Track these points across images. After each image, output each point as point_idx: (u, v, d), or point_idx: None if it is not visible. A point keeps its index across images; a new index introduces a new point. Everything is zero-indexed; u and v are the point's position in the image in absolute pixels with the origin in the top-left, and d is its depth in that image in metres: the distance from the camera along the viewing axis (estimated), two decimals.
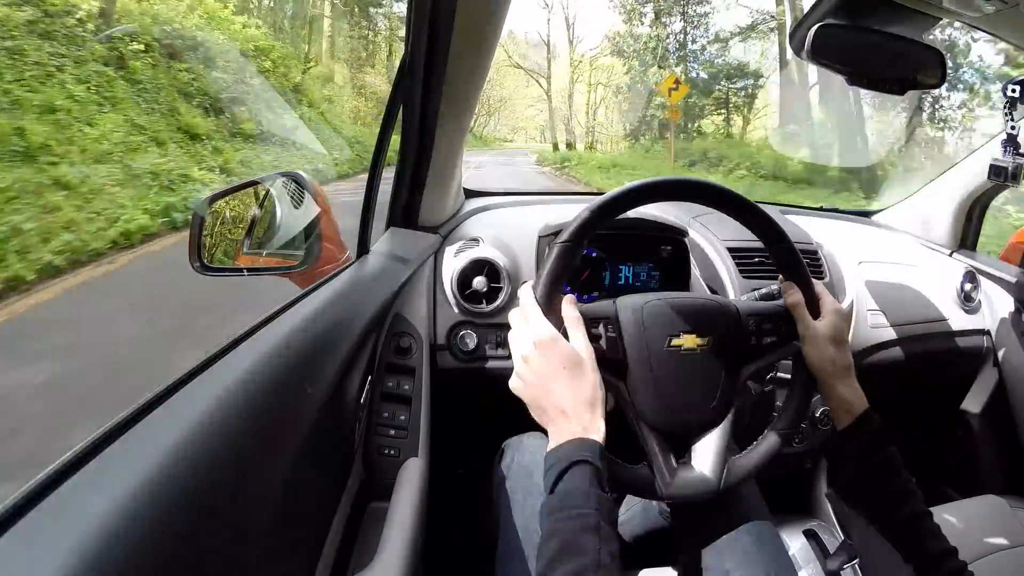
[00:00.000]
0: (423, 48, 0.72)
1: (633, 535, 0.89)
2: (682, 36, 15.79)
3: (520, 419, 0.59)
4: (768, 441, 0.65)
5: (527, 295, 0.59)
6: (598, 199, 0.60)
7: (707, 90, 15.31)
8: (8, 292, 3.46)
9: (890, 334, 1.14)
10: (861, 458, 0.60)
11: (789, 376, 0.69)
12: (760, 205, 0.64)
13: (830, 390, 0.63)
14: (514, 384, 0.58)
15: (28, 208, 4.04)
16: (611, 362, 0.61)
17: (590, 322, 0.60)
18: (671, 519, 0.75)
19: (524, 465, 0.75)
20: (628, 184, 0.61)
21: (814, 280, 0.66)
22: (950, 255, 1.37)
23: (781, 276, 0.67)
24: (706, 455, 0.62)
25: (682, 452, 0.63)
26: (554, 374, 0.54)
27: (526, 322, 0.57)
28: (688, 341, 0.61)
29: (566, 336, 0.57)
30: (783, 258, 0.65)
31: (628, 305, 0.63)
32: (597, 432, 0.53)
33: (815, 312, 0.64)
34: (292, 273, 0.87)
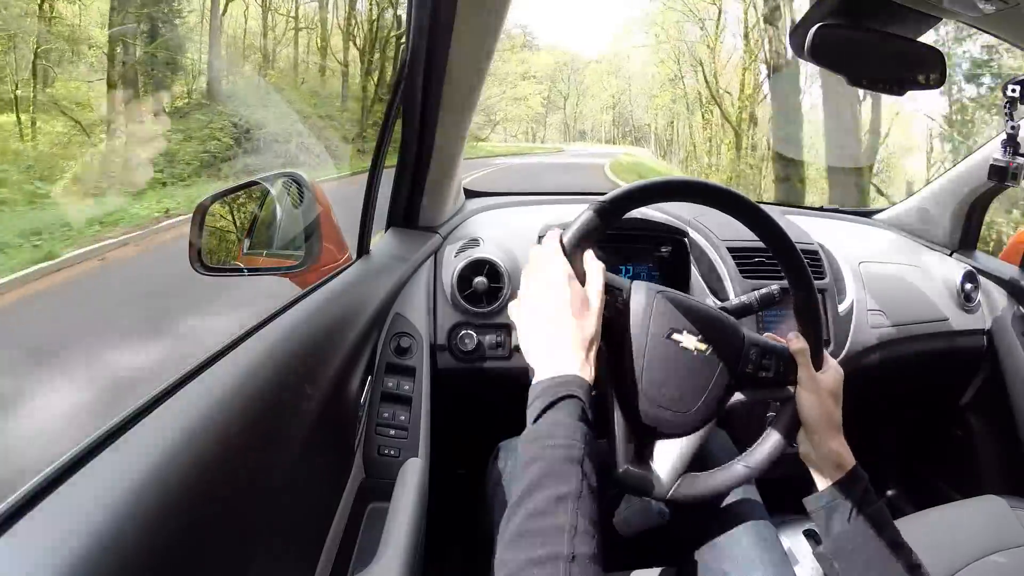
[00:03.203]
0: (423, 48, 0.72)
1: (631, 535, 0.89)
2: None
3: (518, 420, 0.59)
4: (731, 472, 0.64)
5: (553, 237, 0.58)
6: (637, 182, 0.60)
7: None
8: None
9: (890, 334, 1.14)
10: (854, 512, 0.60)
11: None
12: (761, 206, 0.64)
13: (820, 444, 0.62)
14: (514, 310, 0.57)
15: None
16: (609, 331, 0.60)
17: (604, 288, 0.59)
18: (670, 519, 0.75)
19: (519, 467, 0.75)
20: (675, 176, 0.61)
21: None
22: (950, 255, 1.37)
23: (797, 324, 0.66)
24: (666, 460, 0.61)
25: (643, 447, 0.62)
26: (560, 310, 0.54)
27: (546, 258, 0.57)
28: (689, 340, 0.61)
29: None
30: (803, 304, 0.65)
31: (643, 287, 0.62)
32: (587, 373, 0.52)
33: (817, 363, 0.64)
34: (292, 273, 0.87)
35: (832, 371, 0.64)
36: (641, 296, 0.61)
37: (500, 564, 0.41)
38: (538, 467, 0.45)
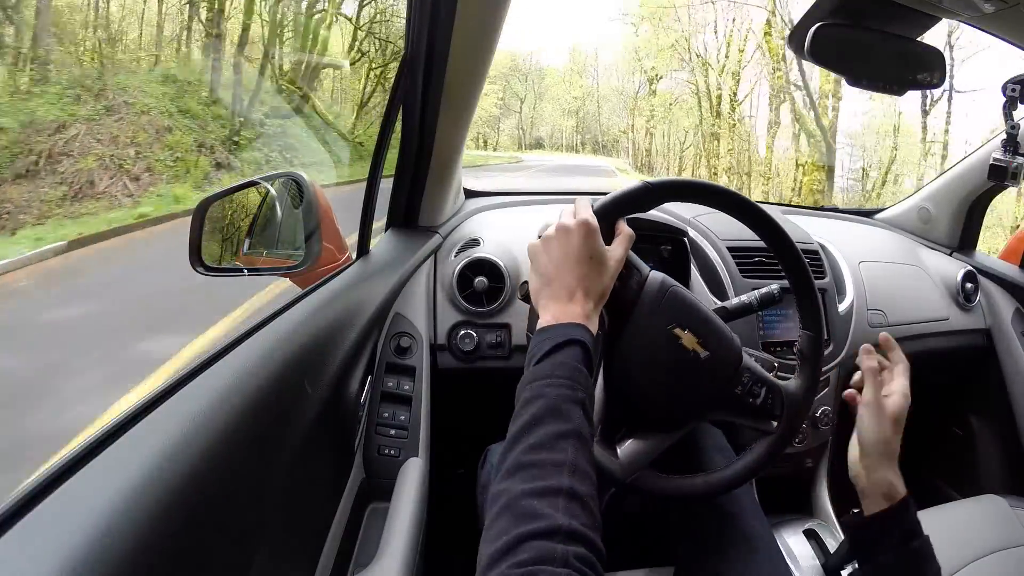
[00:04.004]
0: (423, 48, 0.72)
1: (628, 534, 0.89)
2: None
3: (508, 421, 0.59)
4: (692, 483, 0.63)
5: (586, 201, 0.58)
6: (686, 178, 0.61)
7: None
8: None
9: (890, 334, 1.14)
10: (899, 544, 0.57)
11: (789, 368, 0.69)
12: (762, 206, 0.64)
13: (872, 469, 0.59)
14: (533, 247, 0.57)
15: None
16: (617, 303, 0.60)
17: (626, 263, 0.60)
18: (667, 519, 0.75)
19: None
20: (721, 185, 0.63)
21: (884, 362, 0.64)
22: (950, 255, 1.37)
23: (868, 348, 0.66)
24: (633, 450, 0.61)
25: (614, 435, 0.62)
26: (578, 257, 0.54)
27: (577, 211, 0.57)
28: (689, 340, 0.61)
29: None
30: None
31: (659, 278, 0.63)
32: (592, 324, 0.52)
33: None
34: (292, 273, 0.87)
35: (898, 396, 0.61)
36: (656, 284, 0.62)
37: (498, 494, 0.41)
38: (540, 404, 0.45)
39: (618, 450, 0.61)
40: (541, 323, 0.52)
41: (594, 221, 0.55)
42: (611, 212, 0.59)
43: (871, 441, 0.60)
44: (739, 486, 0.63)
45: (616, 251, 0.57)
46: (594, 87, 20.16)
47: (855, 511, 0.61)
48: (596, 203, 0.58)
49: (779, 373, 0.94)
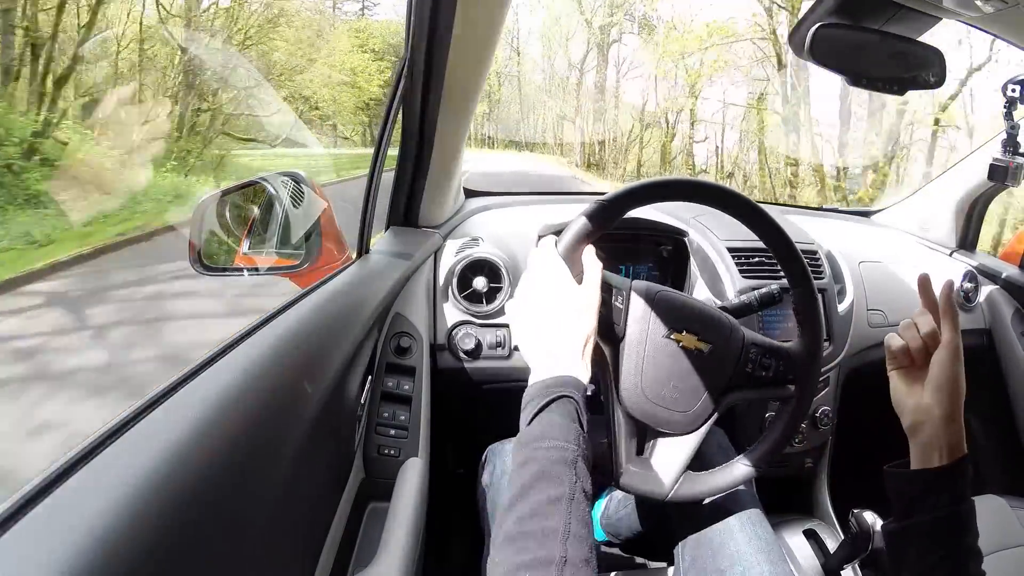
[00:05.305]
0: (423, 48, 0.72)
1: (628, 534, 0.89)
2: None
3: (518, 419, 0.59)
4: (734, 470, 0.64)
5: (548, 243, 0.58)
6: (636, 182, 0.60)
7: None
8: None
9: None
10: (949, 504, 0.53)
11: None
12: (762, 206, 0.64)
13: (948, 420, 0.54)
14: (510, 308, 0.58)
15: None
16: (610, 328, 0.60)
17: (603, 287, 0.59)
18: (667, 518, 0.75)
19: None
20: (671, 177, 0.61)
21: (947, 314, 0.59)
22: (950, 255, 1.37)
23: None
24: (666, 460, 0.61)
25: (643, 446, 0.62)
26: (554, 309, 0.54)
27: (541, 260, 0.57)
28: (688, 340, 0.61)
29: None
30: (802, 303, 0.64)
31: (643, 287, 0.62)
32: (581, 373, 0.52)
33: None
34: (292, 273, 0.87)
35: (940, 356, 0.56)
36: (641, 296, 0.62)
37: (493, 565, 0.40)
38: (531, 469, 0.45)
39: (652, 463, 0.61)
40: (531, 379, 0.52)
41: (557, 263, 0.56)
42: (572, 248, 0.58)
43: (953, 387, 0.55)
44: (780, 452, 0.64)
45: (590, 286, 0.57)
46: (514, 58, 14.49)
47: (893, 463, 0.58)
48: (560, 243, 0.58)
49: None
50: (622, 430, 0.60)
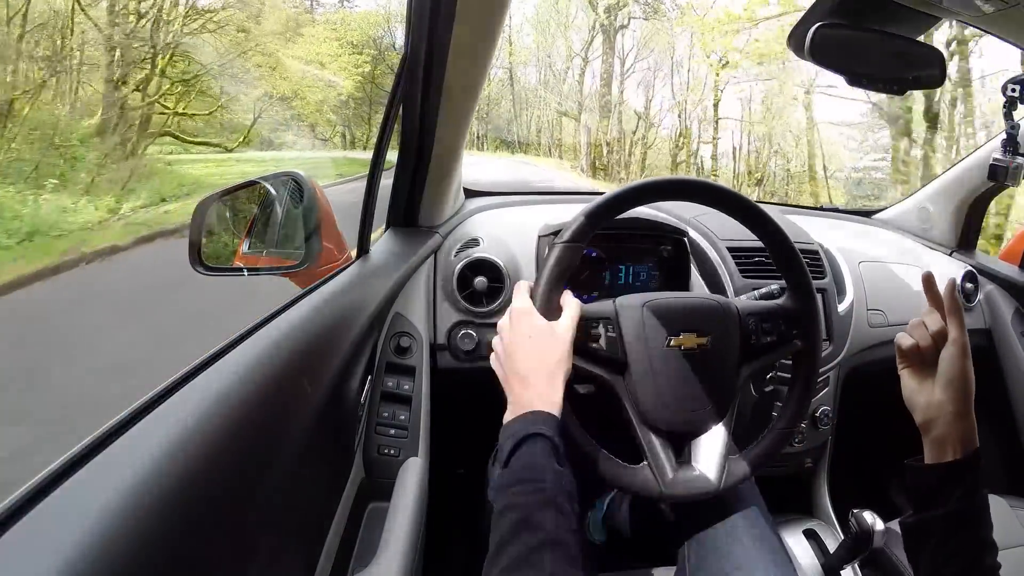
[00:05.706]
0: (423, 48, 0.72)
1: (631, 536, 0.89)
2: None
3: None
4: (768, 440, 0.65)
5: (522, 289, 0.61)
6: (599, 198, 0.61)
7: None
8: None
9: (890, 334, 1.14)
10: (962, 497, 0.54)
11: (789, 375, 0.69)
12: (761, 205, 0.64)
13: (960, 416, 0.55)
14: (493, 362, 0.61)
15: None
16: (611, 361, 0.61)
17: (590, 322, 0.61)
18: (669, 519, 0.75)
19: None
20: (631, 183, 0.62)
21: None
22: (950, 255, 1.37)
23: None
24: (706, 455, 0.62)
25: (681, 451, 0.63)
26: (519, 342, 0.57)
27: (516, 310, 0.60)
28: (688, 340, 0.62)
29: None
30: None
31: (628, 304, 0.63)
32: (553, 404, 0.53)
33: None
34: (292, 273, 0.87)
35: (947, 352, 0.57)
36: (629, 313, 0.63)
37: None
38: (513, 516, 0.46)
39: (695, 464, 0.62)
40: (505, 418, 0.54)
41: (525, 303, 0.59)
42: (550, 295, 0.60)
43: (963, 383, 0.55)
44: (808, 406, 0.66)
45: (564, 321, 0.59)
46: (505, 48, 12.78)
47: (912, 459, 0.58)
48: (536, 294, 0.60)
49: (779, 373, 0.95)
50: (656, 446, 0.61)
